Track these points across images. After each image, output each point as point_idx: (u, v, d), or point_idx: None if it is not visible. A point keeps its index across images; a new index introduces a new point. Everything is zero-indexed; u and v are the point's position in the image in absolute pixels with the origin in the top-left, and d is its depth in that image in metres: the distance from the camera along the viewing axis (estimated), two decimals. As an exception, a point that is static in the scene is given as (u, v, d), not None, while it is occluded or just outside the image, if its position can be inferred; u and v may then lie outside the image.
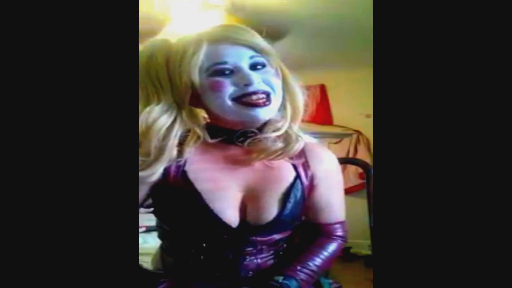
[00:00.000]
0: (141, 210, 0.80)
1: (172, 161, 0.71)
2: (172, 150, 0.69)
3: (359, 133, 3.56)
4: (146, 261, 1.32)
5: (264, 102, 0.69)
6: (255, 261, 0.74)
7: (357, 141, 3.56)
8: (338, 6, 2.29)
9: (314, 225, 0.81)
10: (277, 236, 0.76)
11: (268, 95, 0.69)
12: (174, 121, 0.70)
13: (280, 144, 0.72)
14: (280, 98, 0.73)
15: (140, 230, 1.65)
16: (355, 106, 3.47)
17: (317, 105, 3.70)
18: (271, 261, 0.77)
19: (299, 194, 0.74)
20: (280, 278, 0.71)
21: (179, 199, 0.72)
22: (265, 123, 0.72)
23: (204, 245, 0.73)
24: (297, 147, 0.73)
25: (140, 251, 1.07)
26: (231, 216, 0.71)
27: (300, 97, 0.75)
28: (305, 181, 0.76)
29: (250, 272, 0.74)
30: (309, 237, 0.81)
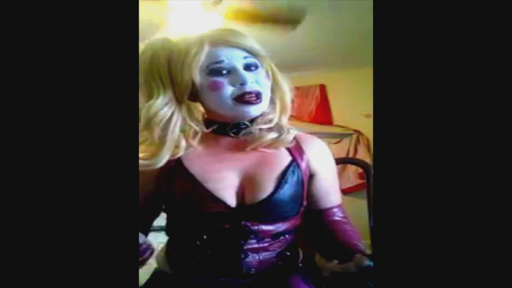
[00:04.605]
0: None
1: (180, 151, 0.78)
2: (173, 139, 0.77)
3: (359, 133, 3.56)
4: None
5: (255, 100, 0.76)
6: (257, 257, 0.76)
7: (357, 141, 3.56)
8: (338, 6, 2.29)
9: (314, 212, 0.85)
10: (279, 226, 0.78)
11: (259, 94, 0.77)
12: (173, 113, 0.77)
13: (273, 134, 0.80)
14: (269, 97, 0.81)
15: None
16: (355, 106, 3.47)
17: (317, 105, 3.71)
18: (274, 260, 0.78)
19: (295, 176, 0.79)
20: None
21: (178, 184, 0.77)
22: (257, 116, 0.80)
23: (205, 236, 0.76)
24: (289, 137, 0.81)
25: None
26: (228, 196, 0.75)
27: (288, 94, 0.83)
28: (302, 166, 0.81)
29: (252, 269, 0.76)
30: (310, 224, 0.85)
